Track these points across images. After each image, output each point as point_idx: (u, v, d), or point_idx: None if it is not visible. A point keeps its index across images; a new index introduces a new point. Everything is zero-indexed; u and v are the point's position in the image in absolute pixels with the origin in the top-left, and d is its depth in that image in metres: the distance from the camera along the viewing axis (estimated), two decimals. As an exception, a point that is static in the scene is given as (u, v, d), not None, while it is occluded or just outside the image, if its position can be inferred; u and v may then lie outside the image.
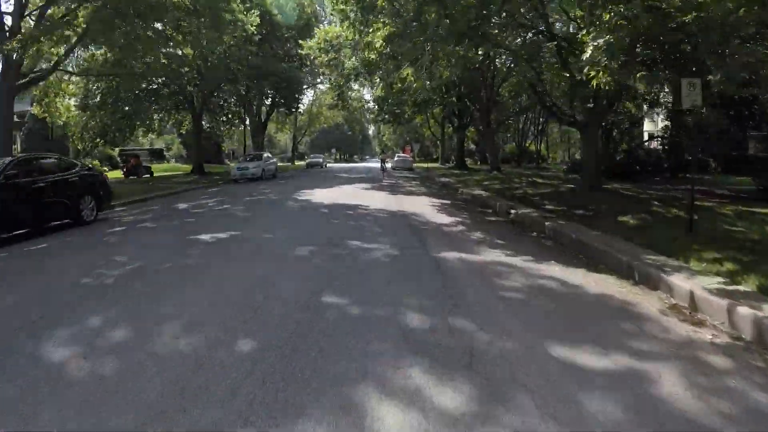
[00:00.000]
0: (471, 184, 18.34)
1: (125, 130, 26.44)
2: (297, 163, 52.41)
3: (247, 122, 41.17)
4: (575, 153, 63.66)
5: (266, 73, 23.64)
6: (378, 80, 24.44)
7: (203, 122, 30.44)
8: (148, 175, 25.88)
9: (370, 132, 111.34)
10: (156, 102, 26.54)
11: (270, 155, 26.12)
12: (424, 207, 12.26)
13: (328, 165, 51.87)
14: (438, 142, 63.11)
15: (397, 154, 40.27)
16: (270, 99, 26.73)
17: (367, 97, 37.43)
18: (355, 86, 31.10)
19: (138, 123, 25.93)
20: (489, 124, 24.84)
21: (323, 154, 48.87)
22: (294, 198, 14.02)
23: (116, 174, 26.06)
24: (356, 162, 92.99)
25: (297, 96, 30.54)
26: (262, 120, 41.39)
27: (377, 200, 13.51)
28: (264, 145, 48.46)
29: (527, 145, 55.38)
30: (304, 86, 37.76)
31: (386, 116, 27.69)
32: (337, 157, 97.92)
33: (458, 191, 16.73)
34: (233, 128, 34.44)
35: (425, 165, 40.47)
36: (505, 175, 23.10)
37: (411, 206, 12.20)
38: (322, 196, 14.59)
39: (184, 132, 39.25)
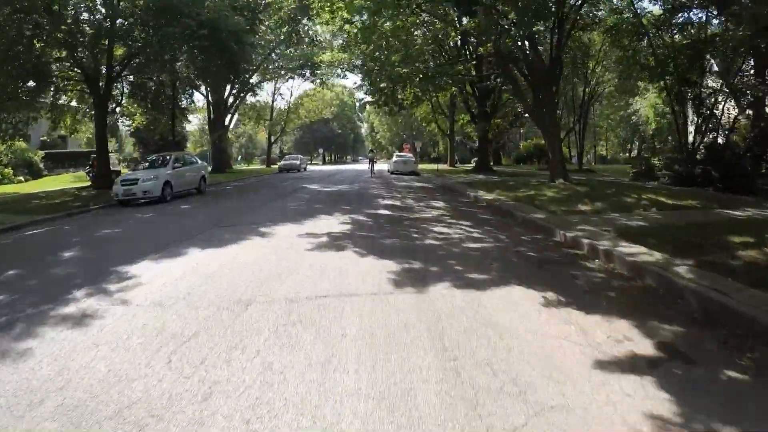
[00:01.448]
0: (580, 219, 8.94)
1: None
2: (274, 166, 42.79)
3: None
4: (617, 147, 54.61)
5: (175, 11, 13.76)
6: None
7: (110, 108, 20.86)
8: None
9: (363, 131, 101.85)
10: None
11: (193, 157, 16.34)
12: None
13: (308, 167, 42.34)
14: (441, 138, 53.93)
15: (396, 154, 30.79)
16: (195, 68, 17.41)
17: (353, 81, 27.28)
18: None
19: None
20: (552, 107, 15.35)
21: (301, 155, 39.02)
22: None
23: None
24: (347, 163, 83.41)
25: (246, 67, 21.03)
26: (225, 107, 31.84)
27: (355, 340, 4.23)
28: (226, 142, 38.87)
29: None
30: (260, 53, 27.99)
31: (381, 97, 18.17)
32: (327, 158, 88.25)
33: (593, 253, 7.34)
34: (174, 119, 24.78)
35: (434, 167, 31.10)
36: (589, 186, 13.79)
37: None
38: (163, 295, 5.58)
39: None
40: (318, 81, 34.69)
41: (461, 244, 6.41)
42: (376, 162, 29.44)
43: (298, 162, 33.20)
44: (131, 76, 21.53)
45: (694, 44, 16.90)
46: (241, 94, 32.90)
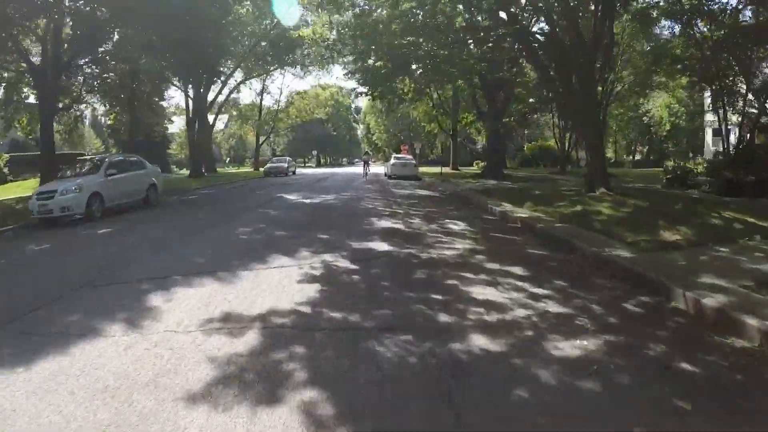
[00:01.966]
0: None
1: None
2: (263, 168, 39.67)
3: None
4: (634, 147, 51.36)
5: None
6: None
7: (62, 104, 17.80)
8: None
9: (359, 132, 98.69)
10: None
11: (137, 161, 12.87)
12: None
13: (300, 171, 39.29)
14: (440, 138, 50.96)
15: (394, 156, 27.63)
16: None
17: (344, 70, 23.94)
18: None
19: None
20: (592, 98, 12.27)
21: (289, 157, 35.74)
22: None
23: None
24: (342, 165, 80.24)
25: (221, 58, 17.87)
26: (207, 105, 28.72)
27: None
28: (210, 143, 35.81)
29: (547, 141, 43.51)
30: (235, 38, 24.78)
31: (376, 88, 15.13)
32: (322, 160, 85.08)
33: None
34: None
35: (435, 170, 28.12)
36: (641, 198, 10.86)
37: None
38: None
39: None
40: (303, 70, 31.48)
41: (539, 347, 3.12)
42: (371, 164, 27.56)
43: (285, 165, 30.04)
44: (87, 68, 18.46)
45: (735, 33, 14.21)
46: (222, 90, 29.80)
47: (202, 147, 37.46)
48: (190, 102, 29.09)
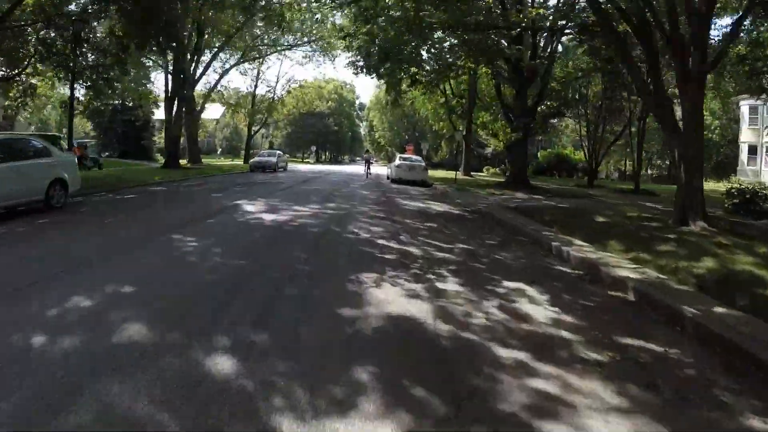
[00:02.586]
0: None
1: None
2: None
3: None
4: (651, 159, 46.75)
5: None
6: None
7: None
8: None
9: (362, 130, 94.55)
10: None
11: (33, 145, 8.62)
12: None
13: (294, 166, 35.56)
14: (446, 140, 47.06)
15: (399, 156, 23.40)
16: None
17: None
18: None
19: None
20: (700, 100, 8.50)
21: (280, 151, 31.46)
22: None
23: None
24: (343, 163, 76.12)
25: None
26: (184, 82, 24.80)
27: None
28: (194, 130, 32.09)
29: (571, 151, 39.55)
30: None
31: (384, 64, 11.34)
32: (323, 156, 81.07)
33: None
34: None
35: (445, 175, 24.15)
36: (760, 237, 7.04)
37: None
38: None
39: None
40: (304, 56, 27.55)
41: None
42: (373, 163, 25.78)
43: (274, 159, 26.08)
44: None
45: None
46: (207, 71, 26.04)
47: (188, 135, 33.70)
48: (170, 81, 25.19)
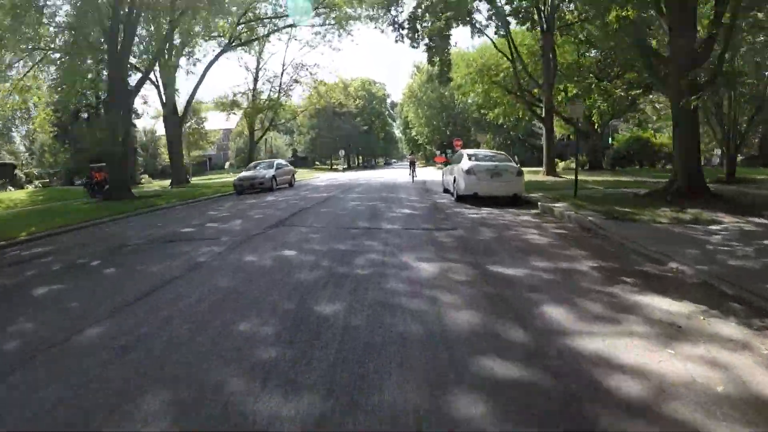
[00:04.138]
0: None
1: None
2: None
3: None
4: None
5: None
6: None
7: None
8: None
9: (395, 130, 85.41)
10: None
11: None
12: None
13: (311, 179, 27.32)
14: (493, 128, 37.35)
15: (465, 153, 12.31)
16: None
17: None
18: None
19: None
20: None
21: (280, 160, 22.18)
22: None
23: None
24: (376, 167, 67.44)
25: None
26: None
27: None
28: (178, 141, 24.50)
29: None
30: None
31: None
32: (356, 161, 72.81)
33: None
34: None
35: (549, 178, 14.74)
36: None
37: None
38: None
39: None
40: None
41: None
42: (416, 165, 23.89)
43: (269, 173, 17.44)
44: None
45: None
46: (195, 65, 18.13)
47: (170, 149, 26.04)
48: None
